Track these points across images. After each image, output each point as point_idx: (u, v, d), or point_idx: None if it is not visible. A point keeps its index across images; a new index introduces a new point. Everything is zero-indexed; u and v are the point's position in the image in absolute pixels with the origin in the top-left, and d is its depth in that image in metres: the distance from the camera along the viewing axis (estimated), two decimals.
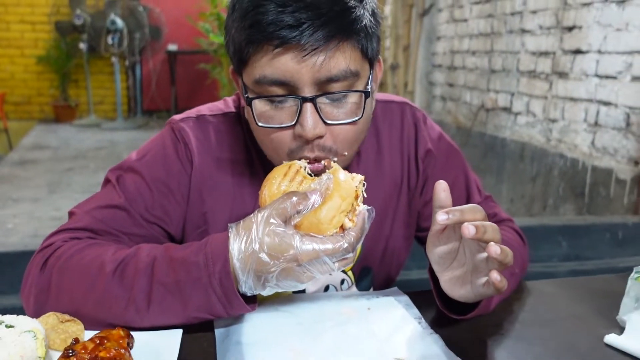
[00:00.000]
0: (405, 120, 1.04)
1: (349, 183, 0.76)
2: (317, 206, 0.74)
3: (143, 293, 0.78)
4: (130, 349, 0.76)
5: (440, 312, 0.91)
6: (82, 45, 7.89)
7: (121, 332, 0.76)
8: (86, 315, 0.80)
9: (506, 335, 0.90)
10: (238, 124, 0.97)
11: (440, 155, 1.06)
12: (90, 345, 0.73)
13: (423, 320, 0.90)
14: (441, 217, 0.74)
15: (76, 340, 0.74)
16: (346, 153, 0.86)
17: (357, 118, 0.83)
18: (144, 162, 0.93)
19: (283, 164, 0.81)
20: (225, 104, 1.00)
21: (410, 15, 3.76)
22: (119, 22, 7.70)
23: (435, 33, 4.67)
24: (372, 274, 1.07)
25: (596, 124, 2.75)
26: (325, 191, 0.74)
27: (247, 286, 0.76)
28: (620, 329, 0.89)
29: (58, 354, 0.74)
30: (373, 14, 0.83)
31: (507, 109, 3.58)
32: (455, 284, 0.83)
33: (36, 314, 0.80)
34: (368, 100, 0.84)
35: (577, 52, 2.88)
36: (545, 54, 3.16)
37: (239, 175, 0.96)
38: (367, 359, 0.79)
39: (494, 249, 0.71)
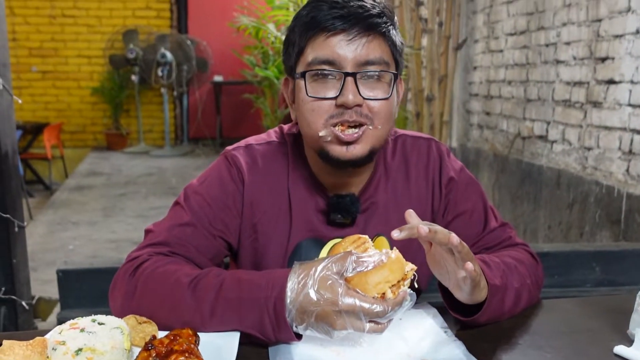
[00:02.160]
0: (431, 152, 1.19)
1: (401, 262, 0.90)
2: (369, 271, 0.88)
3: (209, 305, 0.94)
4: (197, 345, 0.91)
5: (463, 323, 1.03)
6: (134, 77, 8.26)
7: (190, 332, 0.91)
8: (160, 318, 0.96)
9: (523, 344, 1.00)
10: (279, 150, 1.14)
11: (462, 184, 1.19)
12: (166, 341, 0.87)
13: (449, 330, 1.02)
14: (395, 234, 0.89)
15: (154, 337, 0.90)
16: (380, 127, 1.02)
17: (388, 96, 1.02)
18: (204, 185, 1.12)
19: (354, 235, 0.98)
20: (269, 135, 1.18)
21: (446, 47, 3.90)
22: (169, 55, 8.04)
23: (472, 63, 4.79)
24: None
25: (630, 152, 2.80)
26: (378, 262, 0.89)
27: (291, 317, 0.88)
28: (630, 342, 0.96)
29: (137, 350, 0.89)
30: (397, 34, 1.05)
31: (543, 137, 3.65)
32: (456, 292, 0.97)
33: (121, 314, 0.96)
34: (396, 83, 1.04)
35: (611, 82, 2.95)
36: (579, 83, 3.24)
37: (281, 193, 1.12)
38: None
39: (453, 238, 0.87)
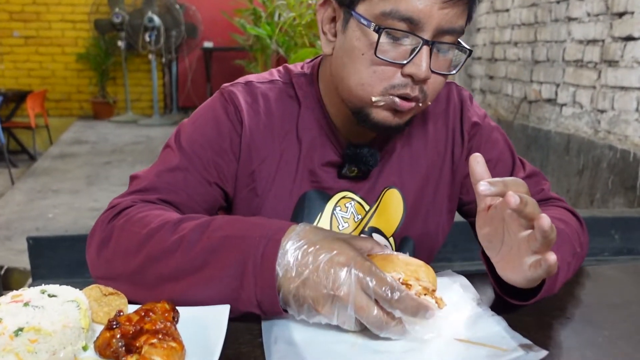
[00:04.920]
0: (451, 97, 1.06)
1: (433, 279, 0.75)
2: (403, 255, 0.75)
3: (190, 245, 0.77)
4: (176, 323, 0.73)
5: (502, 298, 0.85)
6: (121, 43, 8.02)
7: (166, 306, 0.73)
8: (133, 270, 0.80)
9: (572, 318, 0.84)
10: (285, 91, 1.00)
11: (486, 129, 1.06)
12: (135, 318, 0.70)
13: (482, 302, 0.84)
14: (482, 187, 0.69)
15: (120, 312, 0.72)
16: (429, 103, 0.89)
17: (454, 72, 0.88)
18: (197, 125, 0.98)
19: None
20: (271, 74, 1.03)
21: None
22: (156, 20, 7.79)
23: (475, 25, 4.56)
24: (412, 244, 1.05)
25: None
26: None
27: (281, 268, 0.72)
28: None
29: (101, 328, 0.71)
30: None
31: (551, 101, 3.46)
32: (506, 269, 0.78)
33: (96, 267, 0.85)
34: (466, 59, 0.89)
35: (629, 38, 2.75)
36: (593, 42, 3.04)
37: (284, 137, 0.98)
38: (423, 340, 0.74)
39: (545, 220, 0.66)
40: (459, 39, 0.87)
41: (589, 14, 3.08)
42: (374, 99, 0.85)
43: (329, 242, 0.73)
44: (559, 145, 3.31)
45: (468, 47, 0.88)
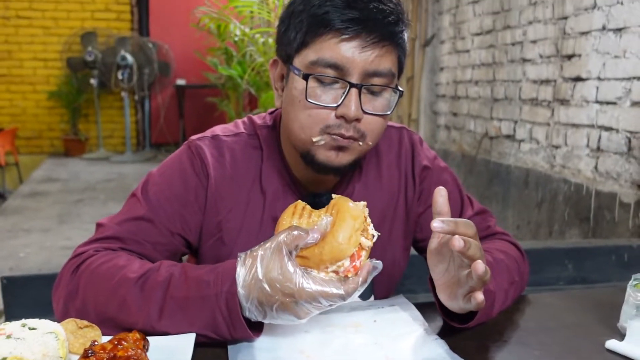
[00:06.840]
0: (403, 141, 1.14)
1: (357, 206, 0.83)
2: (335, 231, 0.80)
3: (157, 305, 0.85)
4: (146, 351, 0.80)
5: (446, 322, 0.94)
6: (93, 81, 8.00)
7: (137, 335, 0.80)
8: (108, 318, 0.87)
9: (509, 341, 0.93)
10: (249, 143, 1.07)
11: (435, 171, 1.15)
12: (109, 346, 0.76)
13: (429, 328, 0.93)
14: (436, 224, 0.81)
15: (94, 342, 0.78)
16: (370, 143, 0.95)
17: (388, 112, 0.95)
18: (164, 177, 1.03)
19: (289, 206, 0.88)
20: (236, 126, 1.10)
21: (412, 48, 3.86)
22: (129, 58, 7.83)
23: (438, 64, 4.77)
24: (372, 282, 1.12)
25: (598, 149, 2.79)
26: (327, 223, 0.81)
27: (251, 313, 0.82)
28: (621, 336, 0.91)
29: (76, 358, 0.77)
30: (408, 37, 0.98)
31: (510, 137, 3.63)
32: (445, 293, 0.89)
33: (64, 316, 0.89)
34: (398, 100, 0.97)
35: (577, 79, 2.94)
36: (546, 81, 3.23)
37: (250, 188, 1.04)
38: None
39: (480, 266, 0.78)
40: (394, 83, 0.95)
41: (541, 56, 3.28)
42: (314, 139, 0.93)
43: (270, 287, 0.79)
44: (519, 179, 3.46)
45: (399, 89, 0.95)
